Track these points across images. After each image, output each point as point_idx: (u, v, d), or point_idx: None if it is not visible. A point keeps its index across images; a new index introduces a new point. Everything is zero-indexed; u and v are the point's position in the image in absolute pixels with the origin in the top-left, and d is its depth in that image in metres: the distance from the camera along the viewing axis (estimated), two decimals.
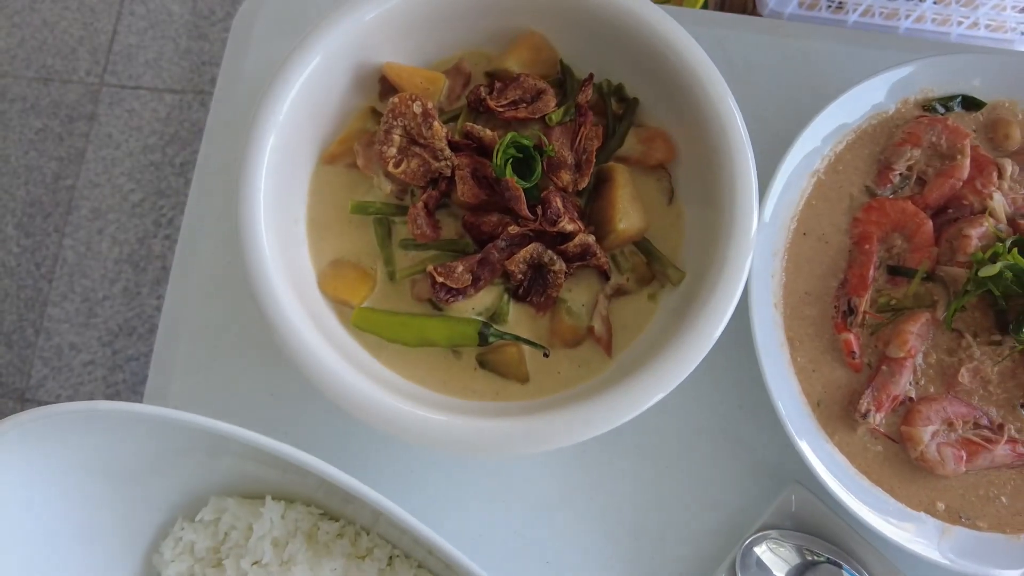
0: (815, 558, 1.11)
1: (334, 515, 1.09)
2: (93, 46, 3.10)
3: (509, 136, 1.07)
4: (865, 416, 1.09)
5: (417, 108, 1.09)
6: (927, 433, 1.09)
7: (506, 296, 1.10)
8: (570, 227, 1.05)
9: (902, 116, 1.20)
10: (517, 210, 1.06)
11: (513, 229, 1.06)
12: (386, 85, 1.17)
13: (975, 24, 1.35)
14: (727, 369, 1.18)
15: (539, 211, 1.07)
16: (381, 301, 1.12)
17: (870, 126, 1.20)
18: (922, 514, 1.10)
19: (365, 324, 1.08)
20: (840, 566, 1.11)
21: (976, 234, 1.11)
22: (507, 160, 1.07)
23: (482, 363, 1.09)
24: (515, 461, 1.19)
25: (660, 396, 0.96)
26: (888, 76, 1.18)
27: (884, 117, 1.20)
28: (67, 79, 3.06)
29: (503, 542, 1.16)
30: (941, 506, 1.10)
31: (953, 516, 1.10)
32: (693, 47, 1.07)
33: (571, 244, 1.06)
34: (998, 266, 1.05)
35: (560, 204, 1.07)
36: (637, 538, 1.16)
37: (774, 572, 1.11)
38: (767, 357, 1.08)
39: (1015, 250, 1.07)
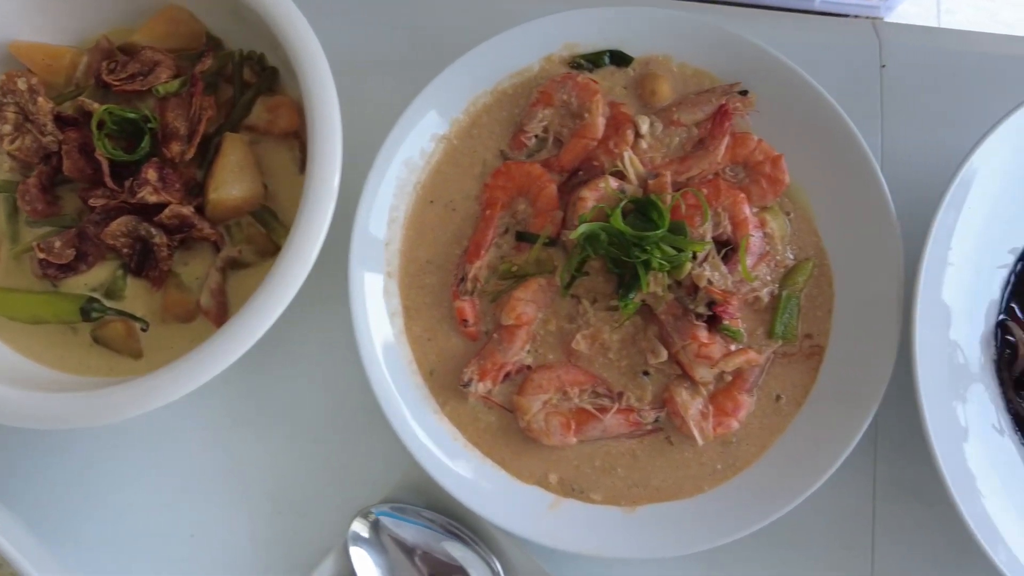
0: (440, 532, 1.11)
1: None
2: None
3: (102, 109, 1.08)
4: (467, 385, 1.07)
5: (22, 84, 1.11)
6: (537, 402, 1.07)
7: (121, 271, 1.12)
8: (153, 198, 1.06)
9: (547, 75, 1.17)
10: (105, 182, 1.07)
11: (98, 201, 1.07)
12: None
13: None
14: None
15: (128, 183, 1.07)
16: (7, 279, 1.14)
17: (511, 86, 1.17)
18: (534, 487, 1.08)
19: None
20: (464, 540, 1.10)
21: (593, 196, 1.08)
22: (105, 133, 1.08)
23: (96, 339, 1.11)
24: (166, 439, 1.20)
25: (242, 350, 0.96)
26: (526, 29, 1.14)
27: (528, 76, 1.17)
28: None
29: (147, 519, 1.17)
30: (554, 478, 1.08)
31: (566, 488, 1.08)
32: (295, 16, 1.06)
33: (164, 215, 1.07)
34: (584, 228, 1.02)
35: (155, 175, 1.07)
36: (279, 512, 1.17)
37: (394, 546, 1.10)
38: (371, 326, 1.07)
39: (618, 212, 1.04)
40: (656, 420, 1.09)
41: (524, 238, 1.12)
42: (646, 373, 1.09)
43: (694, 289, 1.06)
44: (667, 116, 1.15)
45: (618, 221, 1.03)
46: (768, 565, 1.15)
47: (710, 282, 1.06)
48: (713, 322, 1.07)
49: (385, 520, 1.10)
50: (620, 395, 1.09)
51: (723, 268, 1.07)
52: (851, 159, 1.12)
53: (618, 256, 1.04)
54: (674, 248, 1.04)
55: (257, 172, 1.13)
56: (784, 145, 1.15)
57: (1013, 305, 1.15)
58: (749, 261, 1.09)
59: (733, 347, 1.08)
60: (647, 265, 1.03)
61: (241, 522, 1.16)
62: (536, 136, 1.15)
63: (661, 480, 1.08)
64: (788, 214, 1.15)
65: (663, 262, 1.02)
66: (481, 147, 1.16)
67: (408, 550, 1.10)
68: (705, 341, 1.05)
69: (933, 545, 1.16)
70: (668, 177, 1.09)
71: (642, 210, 1.07)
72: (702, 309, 1.05)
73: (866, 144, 1.11)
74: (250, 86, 1.17)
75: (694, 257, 1.07)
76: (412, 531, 1.10)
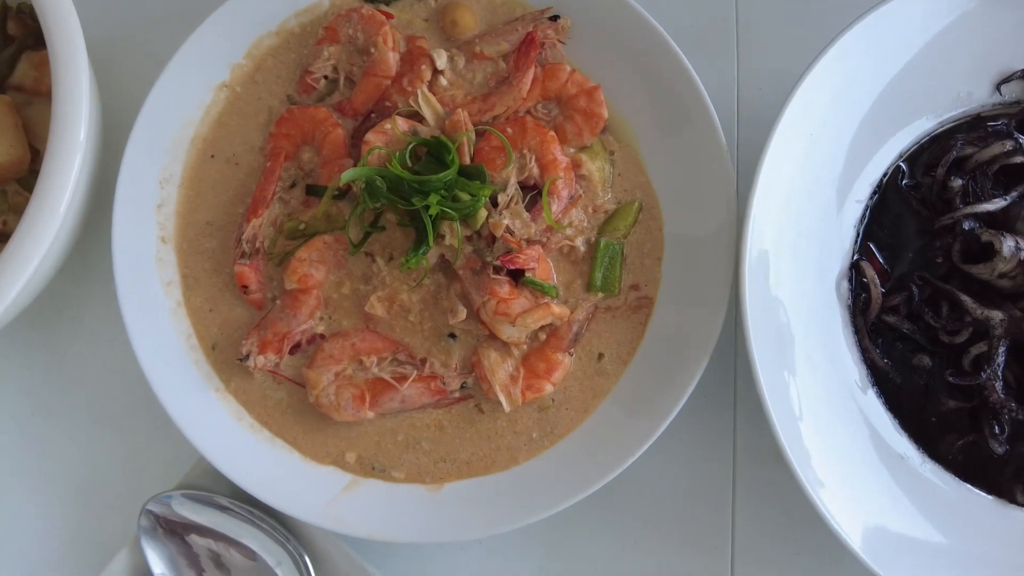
0: (240, 520, 1.00)
1: None
2: None
3: None
4: (245, 359, 0.97)
5: None
6: (328, 374, 0.97)
7: None
8: None
9: (338, 10, 1.05)
10: None
11: None
12: None
13: None
14: None
15: None
16: None
17: (299, 25, 1.06)
18: (331, 467, 0.98)
19: None
20: (264, 528, 0.99)
21: (379, 139, 0.97)
22: None
23: None
24: None
25: None
26: None
27: (317, 13, 1.06)
28: None
29: None
30: (352, 457, 0.98)
31: (366, 468, 0.98)
32: None
33: None
34: (351, 174, 0.91)
35: None
36: (72, 505, 1.07)
37: (188, 535, 1.00)
38: (139, 299, 0.97)
39: (396, 156, 0.93)
40: (463, 387, 0.98)
41: (313, 192, 1.01)
42: (452, 336, 0.99)
43: (492, 240, 0.95)
44: (470, 49, 1.03)
45: (396, 166, 0.92)
46: (625, 532, 1.05)
47: (510, 231, 0.95)
48: (517, 276, 0.96)
49: (179, 508, 1.00)
50: (423, 361, 0.98)
51: (525, 215, 0.96)
52: (679, 90, 1.01)
53: (398, 204, 0.93)
54: (466, 193, 0.93)
55: (21, 135, 1.02)
56: (607, 77, 1.04)
57: (869, 244, 1.04)
58: (556, 207, 0.98)
59: (555, 305, 0.96)
60: (435, 214, 0.92)
61: (29, 520, 1.06)
62: (325, 77, 1.04)
63: (471, 453, 0.98)
64: (612, 154, 1.04)
65: (449, 210, 0.91)
66: (267, 93, 1.05)
67: (203, 539, 1.00)
68: (505, 296, 0.94)
69: (790, 507, 1.06)
70: (463, 115, 0.97)
71: (435, 153, 0.96)
72: (498, 262, 0.93)
73: (694, 72, 1.00)
74: (12, 40, 1.06)
75: (495, 204, 0.96)
76: (209, 519, 1.00)
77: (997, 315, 0.98)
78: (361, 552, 1.00)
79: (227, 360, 1.00)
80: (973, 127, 1.08)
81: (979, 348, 0.98)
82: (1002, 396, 0.97)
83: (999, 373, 0.98)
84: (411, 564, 1.03)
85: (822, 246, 1.02)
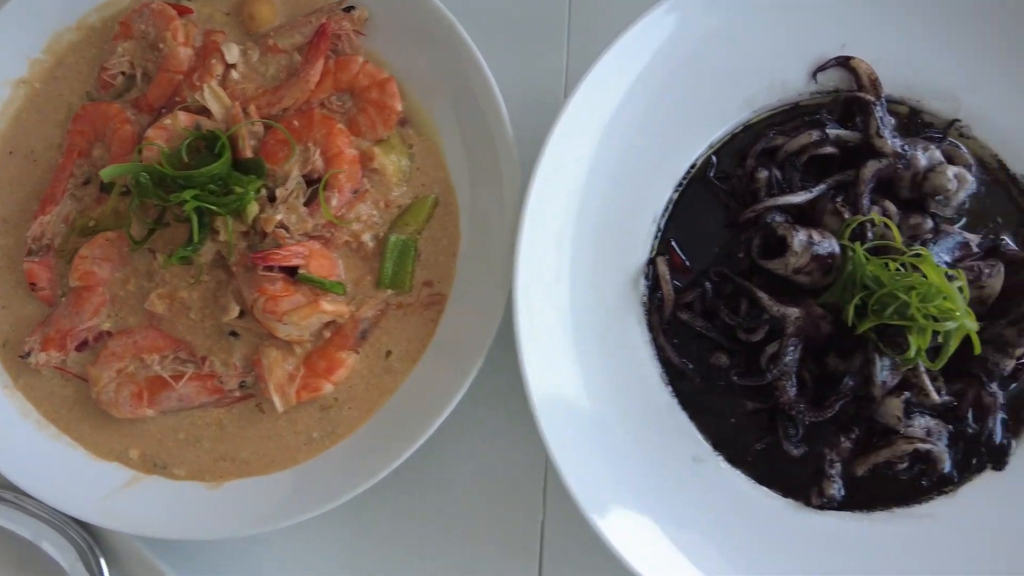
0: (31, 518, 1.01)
1: None
2: None
3: None
4: (27, 356, 0.97)
5: None
6: (109, 372, 0.97)
7: None
8: None
9: (138, 3, 1.04)
10: None
11: None
12: None
13: None
14: None
15: None
16: None
17: (99, 20, 1.06)
18: (114, 464, 0.98)
19: None
20: (55, 526, 0.99)
21: (160, 135, 0.97)
22: None
23: None
24: None
25: None
26: None
27: (119, 8, 1.06)
28: None
29: None
30: (135, 453, 0.98)
31: (148, 464, 0.98)
32: None
33: None
34: (111, 171, 0.91)
35: None
36: None
37: None
38: None
39: (165, 153, 0.92)
40: (243, 386, 0.98)
41: (106, 188, 1.01)
42: (234, 334, 0.98)
43: (264, 236, 0.94)
44: (264, 42, 1.02)
45: (163, 161, 0.92)
46: (433, 530, 1.03)
47: (285, 227, 0.94)
48: (292, 272, 0.95)
49: None
50: (204, 359, 0.98)
51: (302, 210, 0.95)
52: (473, 83, 0.99)
53: (162, 200, 0.92)
54: (236, 187, 0.92)
55: None
56: (410, 70, 1.03)
57: (671, 238, 1.01)
58: (337, 200, 0.96)
59: (326, 302, 0.95)
60: (200, 209, 0.91)
61: None
62: (123, 73, 1.03)
63: (251, 452, 0.97)
64: (411, 147, 1.02)
65: (210, 206, 0.90)
66: (67, 90, 1.05)
67: None
68: (274, 293, 0.93)
69: None
70: (238, 108, 0.97)
71: (212, 147, 0.95)
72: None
73: (485, 64, 0.98)
74: None
75: (273, 199, 0.95)
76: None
77: (793, 312, 0.95)
78: (162, 552, 1.00)
79: (16, 357, 1.00)
80: (791, 117, 1.05)
81: (774, 347, 0.95)
82: (791, 396, 0.94)
83: (792, 372, 0.94)
84: (210, 564, 1.03)
85: (625, 240, 0.99)
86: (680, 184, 1.01)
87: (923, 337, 0.91)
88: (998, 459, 0.99)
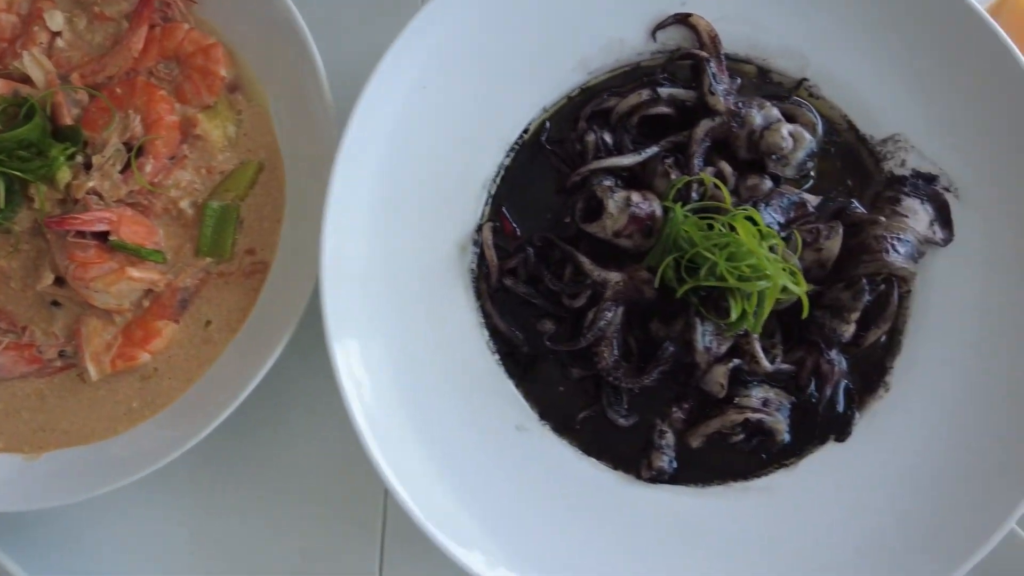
0: None
1: None
2: None
3: None
4: None
5: None
6: None
7: None
8: None
9: None
10: None
11: None
12: None
13: None
14: None
15: None
16: None
17: None
18: None
19: None
20: None
21: None
22: None
23: None
24: None
25: None
26: None
27: None
28: None
29: None
30: None
31: None
32: None
33: None
34: None
35: None
36: None
37: None
38: None
39: None
40: (63, 355, 0.96)
41: None
42: (56, 304, 0.97)
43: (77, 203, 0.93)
44: (91, 9, 1.01)
45: None
46: (273, 509, 1.02)
47: (98, 194, 0.93)
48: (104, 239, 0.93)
49: None
50: (24, 329, 0.97)
51: (116, 177, 0.94)
52: (296, 50, 0.97)
53: None
54: (45, 154, 0.91)
55: None
56: (241, 36, 1.01)
57: (502, 204, 0.98)
58: (153, 166, 0.95)
59: (135, 269, 0.94)
60: (9, 176, 0.90)
61: None
62: None
63: (70, 422, 0.96)
64: (239, 113, 1.01)
65: (14, 171, 0.89)
66: None
67: None
68: (87, 260, 0.92)
69: None
70: (53, 75, 0.96)
71: (28, 115, 0.94)
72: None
73: (307, 31, 0.96)
74: None
75: (89, 167, 0.94)
76: None
77: (614, 276, 0.91)
78: None
79: None
80: (632, 79, 1.01)
81: (594, 312, 0.92)
82: (609, 363, 0.91)
83: (612, 338, 0.91)
84: (31, 536, 1.02)
85: (453, 206, 0.96)
86: (513, 149, 0.99)
87: (749, 301, 0.88)
88: (840, 430, 0.95)
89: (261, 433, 1.02)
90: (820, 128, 0.99)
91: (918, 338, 0.97)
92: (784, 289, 0.87)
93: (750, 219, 0.88)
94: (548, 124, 0.99)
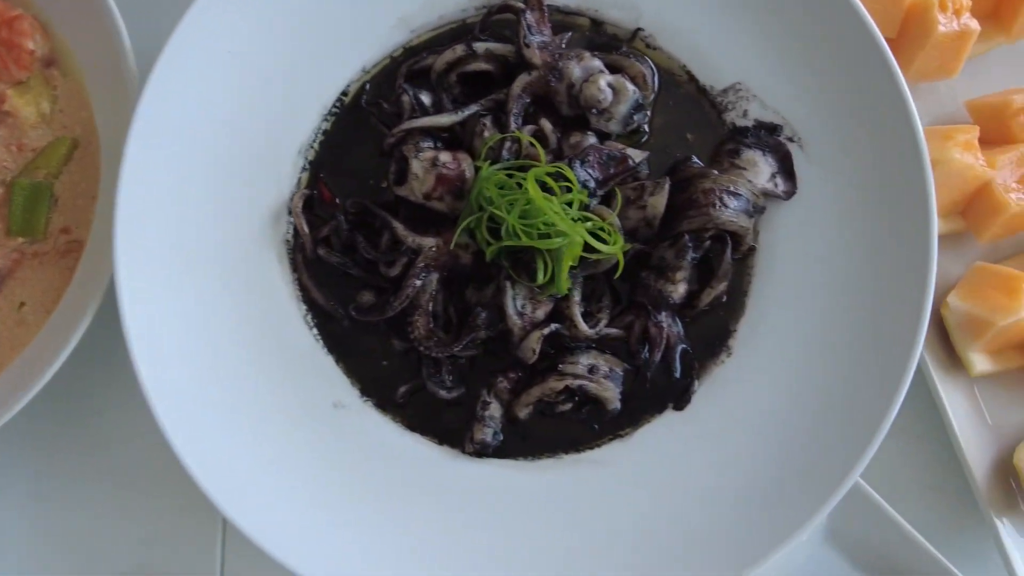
0: None
1: None
2: None
3: None
4: None
5: None
6: None
7: None
8: None
9: None
10: None
11: None
12: None
13: None
14: None
15: None
16: None
17: None
18: None
19: None
20: None
21: None
22: None
23: None
24: None
25: None
26: None
27: None
28: None
29: None
30: None
31: None
32: None
33: None
34: None
35: None
36: None
37: None
38: None
39: None
40: None
41: None
42: None
43: None
44: None
45: None
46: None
47: None
48: None
49: None
50: None
51: None
52: (108, 22, 0.93)
53: None
54: None
55: None
56: (56, 11, 0.98)
57: (319, 172, 0.94)
58: None
59: None
60: None
61: None
62: None
63: None
64: (55, 88, 0.98)
65: None
66: None
67: None
68: None
69: None
70: None
71: None
72: None
73: (114, 4, 0.92)
74: None
75: None
76: None
77: (429, 242, 0.87)
78: None
79: None
80: (458, 36, 0.97)
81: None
82: (422, 333, 0.86)
83: (425, 307, 0.87)
84: None
85: (265, 174, 0.92)
86: (332, 113, 0.95)
87: (560, 262, 0.83)
88: (679, 397, 0.90)
89: (90, 422, 1.00)
90: (654, 79, 0.94)
91: (762, 299, 0.92)
92: (592, 249, 0.82)
93: (560, 176, 0.84)
94: (368, 86, 0.95)
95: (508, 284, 0.85)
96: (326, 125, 0.94)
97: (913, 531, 0.92)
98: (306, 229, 0.90)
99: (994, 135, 1.00)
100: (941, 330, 0.98)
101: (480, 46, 0.92)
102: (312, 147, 0.94)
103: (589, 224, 0.83)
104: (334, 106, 0.94)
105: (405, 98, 0.91)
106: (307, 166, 0.94)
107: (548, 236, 0.80)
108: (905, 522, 0.92)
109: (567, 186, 0.84)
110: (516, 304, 0.85)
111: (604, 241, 0.83)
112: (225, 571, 0.98)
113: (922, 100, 1.04)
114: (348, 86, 0.95)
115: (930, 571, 0.92)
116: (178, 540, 0.99)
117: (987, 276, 0.96)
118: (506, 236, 0.81)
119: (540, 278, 0.82)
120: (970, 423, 0.97)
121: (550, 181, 0.82)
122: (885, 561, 0.94)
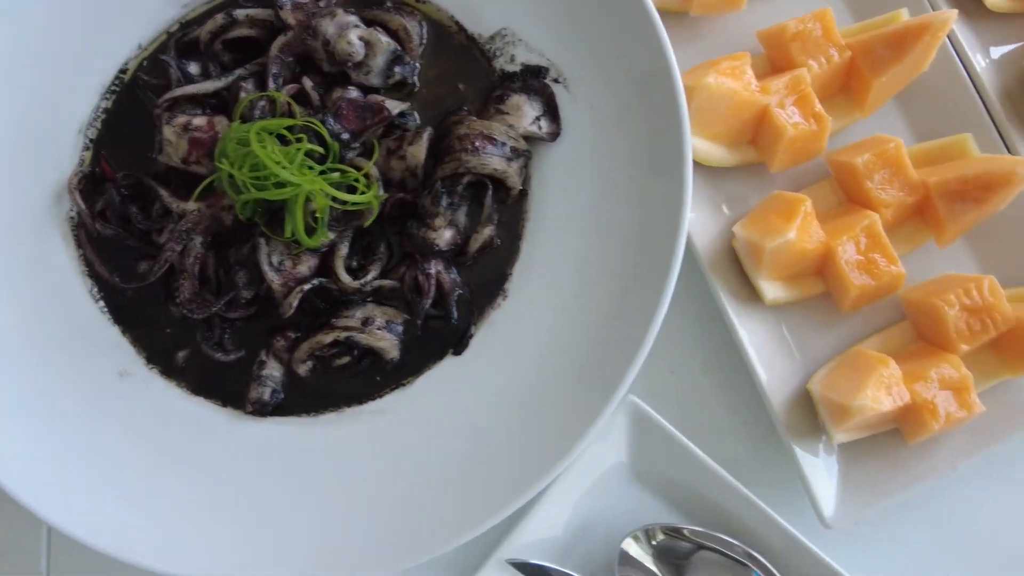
0: None
1: None
2: None
3: None
4: None
5: None
6: None
7: None
8: None
9: None
10: None
11: None
12: None
13: None
14: None
15: None
16: None
17: None
18: None
19: None
20: None
21: None
22: None
23: None
24: None
25: None
26: None
27: None
28: None
29: None
30: None
31: None
32: None
33: None
34: None
35: None
36: None
37: None
38: None
39: None
40: None
41: None
42: None
43: None
44: None
45: None
46: None
47: None
48: None
49: None
50: None
51: None
52: None
53: None
54: None
55: None
56: None
57: (101, 148, 0.96)
58: None
59: None
60: None
61: None
62: None
63: None
64: None
65: None
66: None
67: None
68: None
69: None
70: None
71: None
72: None
73: None
74: None
75: None
76: None
77: (192, 206, 0.88)
78: None
79: None
80: (231, 6, 0.98)
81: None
82: (186, 296, 0.88)
83: (190, 271, 0.88)
84: None
85: (45, 153, 0.94)
86: (112, 91, 0.96)
87: (294, 214, 0.83)
88: (457, 342, 0.91)
89: None
90: (421, 32, 0.94)
91: (534, 241, 0.92)
92: (335, 199, 0.83)
93: (311, 129, 0.85)
94: (146, 63, 0.97)
95: (263, 241, 0.86)
96: (106, 103, 0.96)
97: (711, 462, 0.91)
98: (82, 205, 0.92)
99: (781, 63, 0.99)
100: (737, 262, 0.98)
101: (240, 13, 0.93)
102: (94, 125, 0.96)
103: (336, 175, 0.84)
104: (113, 84, 0.96)
105: (171, 70, 0.93)
106: (89, 144, 0.96)
107: (281, 187, 0.81)
108: (704, 455, 0.91)
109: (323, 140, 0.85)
110: (272, 260, 0.86)
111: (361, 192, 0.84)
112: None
113: (715, 34, 1.04)
114: (126, 64, 0.97)
115: (732, 499, 0.91)
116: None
117: (775, 203, 0.95)
118: (241, 191, 0.82)
119: (287, 232, 0.83)
120: (772, 354, 0.96)
121: (288, 134, 0.83)
122: (694, 495, 0.93)
